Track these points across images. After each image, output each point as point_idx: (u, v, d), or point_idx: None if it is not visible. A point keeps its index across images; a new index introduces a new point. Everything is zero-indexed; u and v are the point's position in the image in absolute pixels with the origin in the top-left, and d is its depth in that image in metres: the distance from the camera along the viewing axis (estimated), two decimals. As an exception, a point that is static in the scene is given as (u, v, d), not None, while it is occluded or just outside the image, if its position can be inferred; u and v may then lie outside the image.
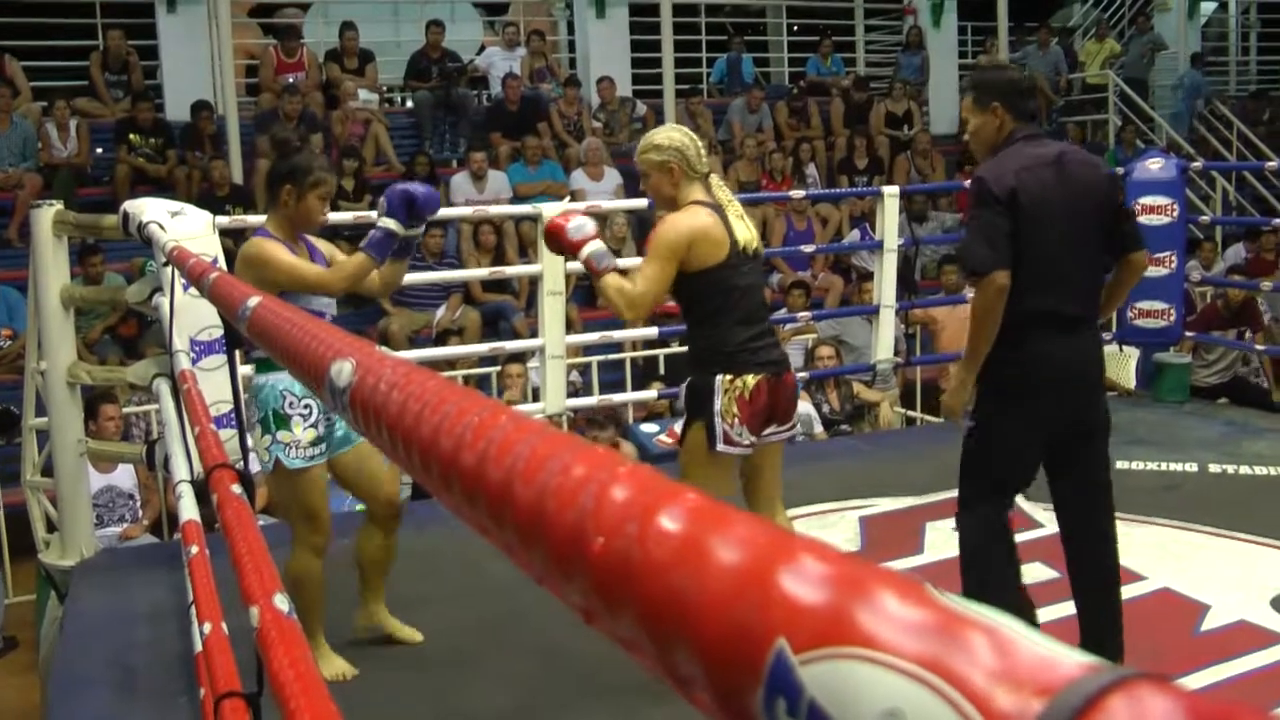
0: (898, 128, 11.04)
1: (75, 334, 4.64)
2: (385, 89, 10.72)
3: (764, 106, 10.92)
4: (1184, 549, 4.19)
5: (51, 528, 4.70)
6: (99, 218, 4.41)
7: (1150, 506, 4.50)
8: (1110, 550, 3.11)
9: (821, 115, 11.15)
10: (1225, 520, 4.39)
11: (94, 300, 5.66)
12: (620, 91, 10.64)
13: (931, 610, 0.36)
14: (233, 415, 3.52)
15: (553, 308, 5.14)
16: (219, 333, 3.26)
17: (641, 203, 5.46)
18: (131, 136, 8.82)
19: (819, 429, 6.54)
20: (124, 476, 5.65)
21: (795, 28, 13.61)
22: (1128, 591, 3.26)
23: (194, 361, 3.69)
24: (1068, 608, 3.13)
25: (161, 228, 3.74)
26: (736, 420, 2.98)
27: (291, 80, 9.49)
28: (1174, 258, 6.17)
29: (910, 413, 7.10)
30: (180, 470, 2.60)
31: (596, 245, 3.07)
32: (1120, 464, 4.28)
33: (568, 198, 8.26)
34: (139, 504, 5.70)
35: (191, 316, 3.78)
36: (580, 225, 3.09)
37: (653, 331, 5.95)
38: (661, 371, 7.06)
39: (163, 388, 3.60)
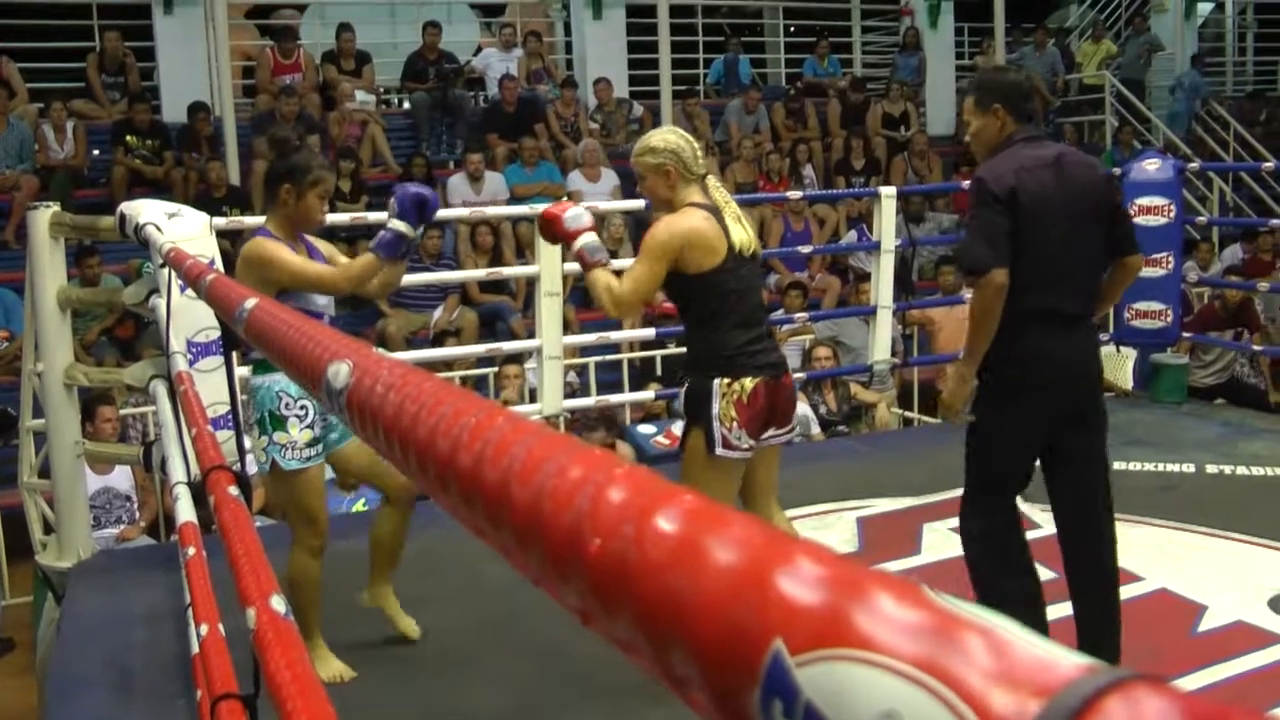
0: (895, 129, 11.04)
1: (72, 336, 4.64)
2: (382, 90, 10.71)
3: (761, 107, 10.91)
4: (1181, 549, 4.20)
5: (48, 529, 4.70)
6: (96, 219, 4.40)
7: (1147, 507, 4.50)
8: (1108, 551, 3.12)
9: (818, 116, 11.16)
10: (1222, 521, 4.39)
11: (91, 302, 5.66)
12: (617, 92, 10.63)
13: (928, 612, 0.36)
14: (230, 417, 3.52)
15: (550, 309, 5.14)
16: (216, 334, 3.25)
17: (638, 204, 5.45)
18: (128, 138, 8.81)
19: (816, 430, 6.54)
20: (121, 478, 5.65)
21: (792, 29, 13.63)
22: (1125, 592, 3.26)
23: (191, 363, 3.69)
24: (1065, 608, 3.13)
25: (158, 229, 3.73)
26: (735, 424, 2.97)
27: (288, 82, 9.48)
28: (1171, 258, 6.17)
29: (907, 413, 7.11)
30: (177, 472, 2.59)
31: (591, 238, 3.08)
32: (1117, 464, 4.28)
33: (565, 198, 8.25)
34: (136, 505, 5.69)
35: (188, 318, 3.77)
36: (578, 215, 3.11)
37: (650, 332, 5.94)
38: (659, 372, 7.05)
39: (160, 389, 3.60)
